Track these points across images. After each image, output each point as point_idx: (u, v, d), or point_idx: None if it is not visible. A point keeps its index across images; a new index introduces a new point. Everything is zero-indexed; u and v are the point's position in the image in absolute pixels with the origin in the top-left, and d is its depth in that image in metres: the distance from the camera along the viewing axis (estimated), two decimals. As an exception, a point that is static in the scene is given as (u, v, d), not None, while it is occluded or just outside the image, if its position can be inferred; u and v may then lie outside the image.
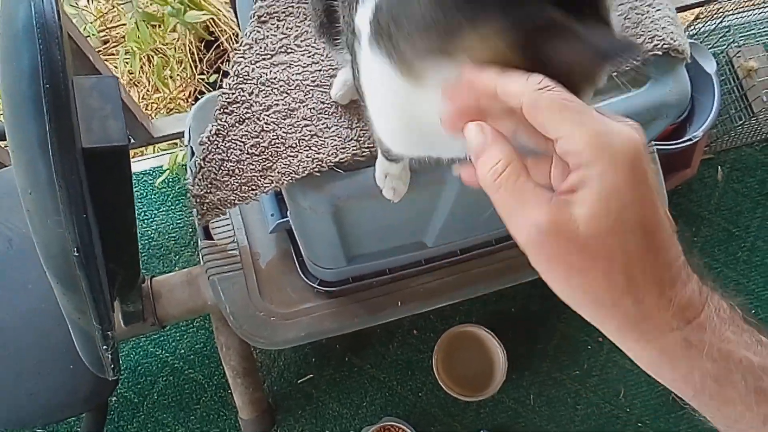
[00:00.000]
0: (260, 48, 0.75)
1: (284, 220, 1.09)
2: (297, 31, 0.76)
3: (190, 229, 1.60)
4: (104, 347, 0.74)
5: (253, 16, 0.75)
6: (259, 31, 0.75)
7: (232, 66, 0.74)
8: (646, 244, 0.33)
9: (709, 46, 1.66)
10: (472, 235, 1.13)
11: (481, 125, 0.36)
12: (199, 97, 1.91)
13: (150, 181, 1.62)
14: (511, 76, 0.34)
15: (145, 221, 1.59)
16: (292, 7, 0.76)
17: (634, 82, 0.75)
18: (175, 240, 1.58)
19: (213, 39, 2.00)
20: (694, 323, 0.34)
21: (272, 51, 0.75)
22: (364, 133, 0.75)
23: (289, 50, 0.76)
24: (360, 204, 0.79)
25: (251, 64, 0.74)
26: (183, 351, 1.48)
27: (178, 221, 1.61)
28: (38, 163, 0.49)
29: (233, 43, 1.98)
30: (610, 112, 0.35)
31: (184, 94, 2.02)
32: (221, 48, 1.99)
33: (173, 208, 1.62)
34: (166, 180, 1.57)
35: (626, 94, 0.76)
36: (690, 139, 1.37)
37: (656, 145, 1.31)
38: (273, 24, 0.76)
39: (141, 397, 1.44)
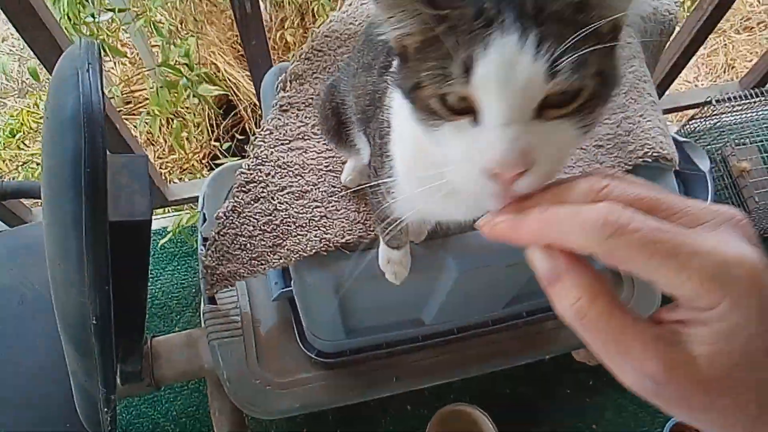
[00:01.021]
0: (280, 134, 0.81)
1: (287, 289, 1.12)
2: (314, 120, 0.82)
3: (193, 290, 1.63)
4: (105, 409, 0.76)
5: (276, 105, 0.82)
6: (279, 119, 0.81)
7: (252, 149, 0.80)
8: None
9: (704, 144, 1.74)
10: (469, 316, 1.16)
11: (549, 251, 0.32)
12: (213, 162, 1.99)
13: (156, 241, 1.66)
14: (567, 228, 0.31)
15: (149, 280, 1.62)
16: (312, 99, 0.83)
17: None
18: (177, 300, 1.61)
19: (232, 106, 2.10)
20: None
21: (291, 137, 0.81)
22: (370, 217, 0.79)
23: (306, 137, 0.81)
24: (362, 283, 0.83)
25: (270, 148, 0.80)
26: (175, 413, 1.48)
27: (182, 281, 1.64)
28: (71, 239, 0.53)
29: (250, 113, 2.08)
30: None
31: (199, 157, 2.10)
32: (238, 116, 2.09)
33: (178, 268, 1.65)
34: (172, 240, 1.61)
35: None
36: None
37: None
38: (293, 113, 0.82)
39: (129, 459, 1.43)
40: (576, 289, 0.30)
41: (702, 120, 1.66)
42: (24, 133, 2.14)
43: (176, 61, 1.64)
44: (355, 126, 0.69)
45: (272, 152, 0.80)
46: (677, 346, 0.29)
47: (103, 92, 0.56)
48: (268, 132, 0.81)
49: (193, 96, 1.83)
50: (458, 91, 0.34)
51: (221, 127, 2.09)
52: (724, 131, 1.67)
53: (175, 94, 1.78)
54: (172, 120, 2.08)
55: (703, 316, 0.29)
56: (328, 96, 0.72)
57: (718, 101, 1.49)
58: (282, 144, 0.81)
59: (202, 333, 1.21)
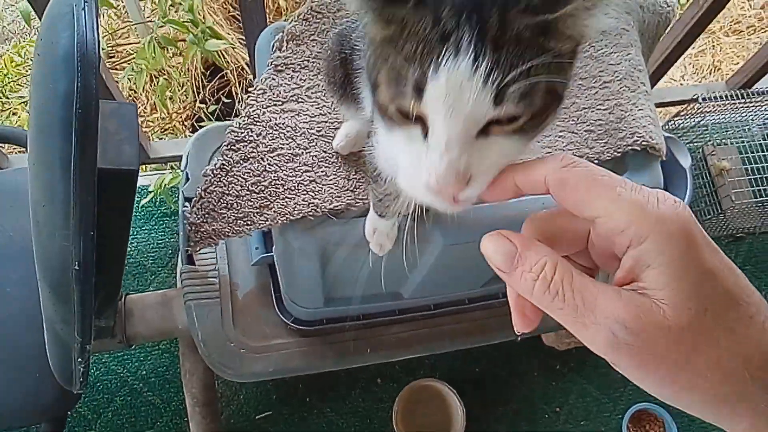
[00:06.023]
0: (273, 94, 0.80)
1: (268, 255, 1.12)
2: (309, 83, 0.81)
3: (169, 251, 1.61)
4: (79, 360, 0.75)
5: (271, 65, 0.80)
6: (274, 79, 0.80)
7: (244, 107, 0.79)
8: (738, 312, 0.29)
9: (686, 142, 1.77)
10: (447, 292, 1.17)
11: (500, 233, 0.33)
12: (196, 124, 1.95)
13: (136, 201, 1.63)
14: (531, 164, 0.34)
15: (127, 237, 1.59)
16: (308, 61, 0.81)
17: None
18: (153, 260, 1.59)
19: (217, 69, 2.05)
20: None
21: (284, 98, 0.80)
22: (359, 185, 0.79)
23: (300, 100, 0.80)
24: (346, 251, 0.83)
25: (263, 107, 0.79)
26: (144, 372, 1.47)
27: (159, 241, 1.62)
28: (58, 181, 0.52)
29: (237, 76, 2.04)
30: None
31: (181, 118, 2.06)
32: (225, 78, 2.05)
33: (155, 227, 1.63)
34: (152, 200, 1.59)
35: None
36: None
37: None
38: (288, 74, 0.81)
39: (95, 414, 1.42)
40: (538, 257, 0.31)
41: (686, 117, 1.68)
42: (4, 83, 2.06)
43: (177, 16, 1.59)
44: (363, 78, 0.66)
45: (264, 112, 0.79)
46: (642, 295, 0.29)
47: (98, 32, 0.55)
48: (261, 91, 0.79)
49: (188, 51, 1.78)
50: (409, 106, 0.35)
51: (207, 89, 2.05)
52: (707, 130, 1.69)
53: (162, 52, 1.73)
54: (157, 77, 2.03)
55: (641, 253, 0.29)
56: (338, 45, 0.69)
57: (704, 99, 1.51)
58: (275, 104, 0.79)
59: (178, 293, 1.20)
